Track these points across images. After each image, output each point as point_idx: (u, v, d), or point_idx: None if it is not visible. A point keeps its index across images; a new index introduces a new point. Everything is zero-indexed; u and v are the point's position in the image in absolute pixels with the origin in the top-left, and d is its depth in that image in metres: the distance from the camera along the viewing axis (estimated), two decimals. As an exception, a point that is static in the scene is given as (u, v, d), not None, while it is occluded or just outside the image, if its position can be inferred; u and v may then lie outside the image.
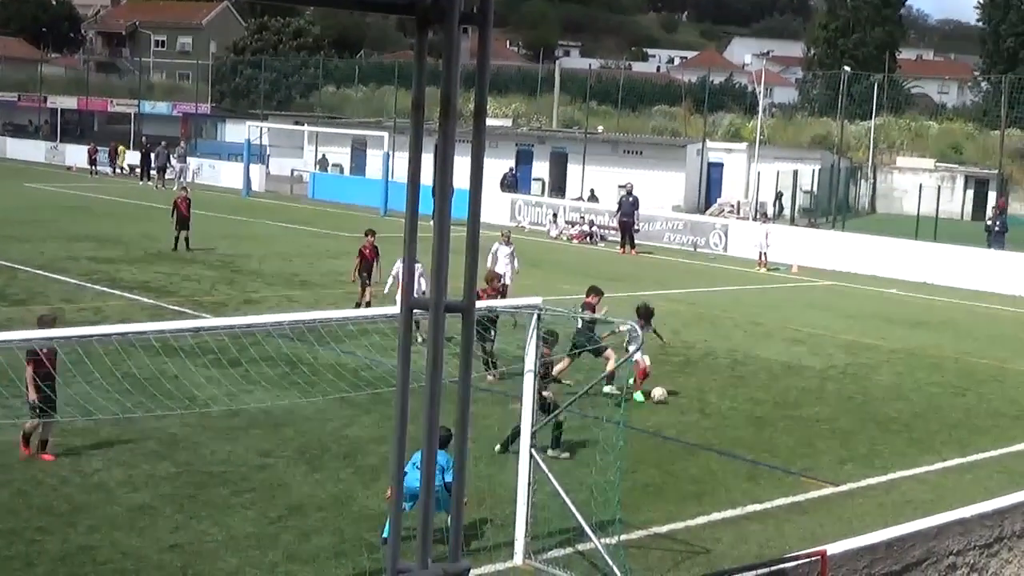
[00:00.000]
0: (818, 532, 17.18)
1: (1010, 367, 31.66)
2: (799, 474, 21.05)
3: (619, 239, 57.24)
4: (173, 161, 79.02)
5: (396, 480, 5.37)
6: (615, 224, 58.63)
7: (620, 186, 61.11)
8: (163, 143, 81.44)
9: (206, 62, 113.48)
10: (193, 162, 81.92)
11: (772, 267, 51.62)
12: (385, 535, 16.48)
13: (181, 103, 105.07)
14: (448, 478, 16.05)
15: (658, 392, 24.84)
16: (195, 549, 15.74)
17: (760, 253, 52.33)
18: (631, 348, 16.67)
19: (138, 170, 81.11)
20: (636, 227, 57.49)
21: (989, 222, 59.88)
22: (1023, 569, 15.82)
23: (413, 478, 16.13)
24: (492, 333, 25.00)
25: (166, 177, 77.22)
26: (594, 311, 24.70)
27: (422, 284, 28.33)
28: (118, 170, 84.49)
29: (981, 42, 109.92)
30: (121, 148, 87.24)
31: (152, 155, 79.78)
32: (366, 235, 33.44)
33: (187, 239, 44.67)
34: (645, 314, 25.72)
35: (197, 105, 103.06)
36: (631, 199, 57.53)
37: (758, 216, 61.96)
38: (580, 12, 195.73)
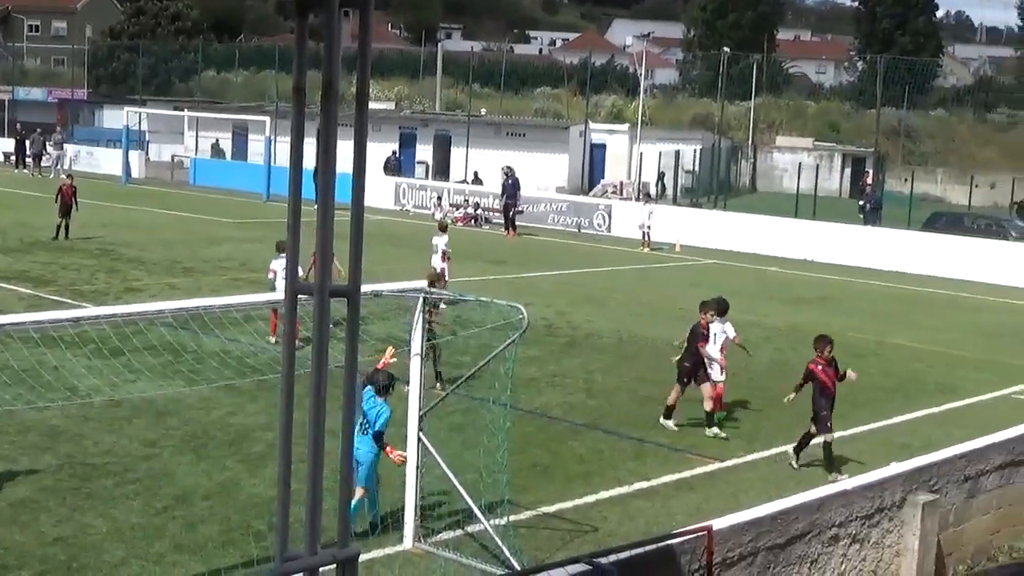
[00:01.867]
0: (704, 507, 17.33)
1: (888, 341, 32.16)
2: (685, 451, 21.25)
3: (503, 222, 57.44)
4: (49, 148, 78.09)
5: (283, 466, 5.35)
6: (500, 207, 58.81)
7: (502, 169, 61.37)
8: (38, 130, 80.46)
9: (82, 47, 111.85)
10: (70, 149, 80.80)
11: (656, 247, 52.00)
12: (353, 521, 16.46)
13: (57, 89, 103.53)
14: (379, 427, 16.04)
15: None
16: (80, 542, 15.56)
17: (643, 233, 52.73)
18: (513, 335, 16.59)
19: (13, 158, 80.00)
20: (519, 209, 57.74)
21: (861, 202, 60.99)
22: (903, 538, 16.08)
23: (363, 442, 16.23)
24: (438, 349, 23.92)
25: (42, 164, 76.33)
26: (708, 329, 23.05)
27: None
28: None
29: (857, 22, 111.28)
30: None
31: (27, 142, 78.82)
32: None
33: (67, 227, 44.19)
34: (719, 308, 23.90)
35: (73, 91, 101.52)
36: (511, 181, 57.86)
37: (641, 197, 62.32)
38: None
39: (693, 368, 22.51)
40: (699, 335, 22.73)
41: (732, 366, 28.12)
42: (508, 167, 60.15)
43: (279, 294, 26.38)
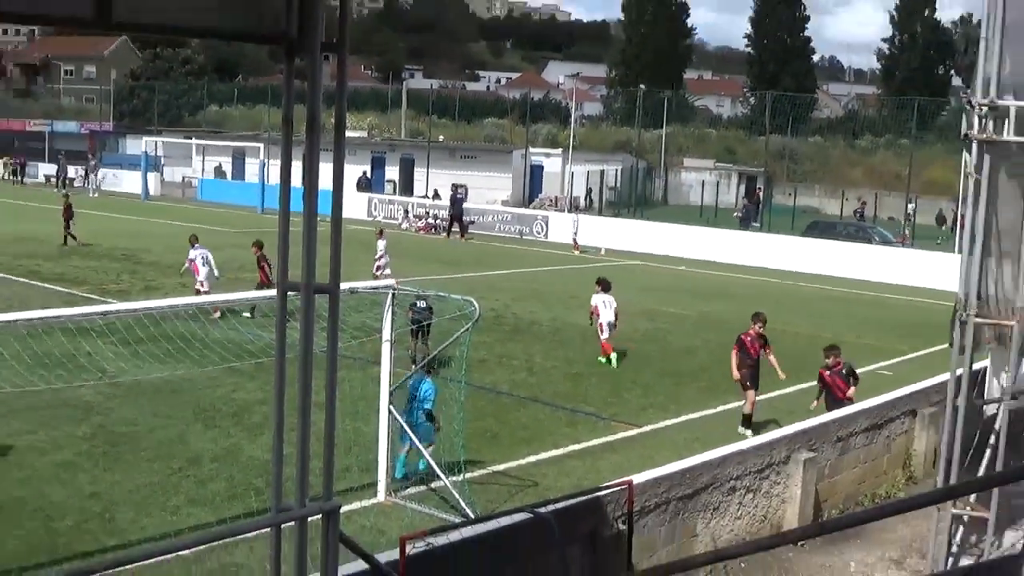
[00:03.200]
0: (626, 465, 17.37)
1: (779, 328, 32.21)
2: (610, 419, 21.28)
3: (457, 230, 57.60)
4: (77, 171, 78.81)
5: (277, 433, 5.34)
6: (447, 216, 59.38)
7: (453, 187, 62.26)
8: (61, 156, 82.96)
9: (108, 87, 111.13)
10: (100, 172, 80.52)
11: (584, 250, 52.03)
12: (397, 475, 16.63)
13: (87, 122, 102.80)
14: (428, 407, 16.24)
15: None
16: (111, 496, 15.58)
17: (573, 238, 52.92)
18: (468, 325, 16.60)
19: (54, 179, 79.68)
20: (471, 219, 58.11)
21: (736, 213, 62.55)
22: (788, 489, 16.21)
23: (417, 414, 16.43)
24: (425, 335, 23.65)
25: (73, 185, 76.34)
26: (756, 339, 21.40)
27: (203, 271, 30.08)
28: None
29: (749, 64, 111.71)
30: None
31: (65, 166, 79.61)
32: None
33: (66, 237, 44.55)
34: (604, 285, 26.87)
35: (101, 123, 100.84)
36: (459, 197, 59.86)
37: (571, 208, 62.45)
38: (422, 40, 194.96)
39: (751, 373, 21.08)
40: (740, 342, 21.46)
41: (650, 350, 28.33)
42: (455, 185, 60.98)
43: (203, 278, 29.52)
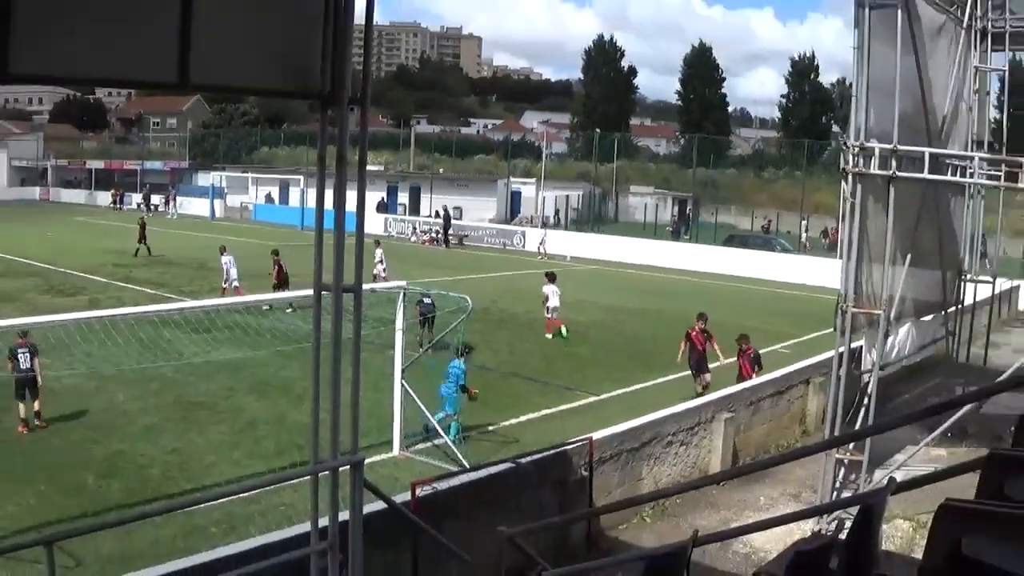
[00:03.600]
0: (588, 425, 17.33)
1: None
2: (575, 389, 21.31)
3: (454, 242, 57.78)
4: (156, 199, 79.52)
5: (314, 402, 5.33)
6: (441, 230, 59.77)
7: (443, 207, 63.06)
8: (147, 187, 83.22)
9: (185, 134, 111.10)
10: (178, 199, 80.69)
11: (551, 257, 52.01)
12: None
13: (169, 161, 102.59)
14: (461, 382, 16.19)
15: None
16: (188, 451, 15.71)
17: (540, 248, 53.38)
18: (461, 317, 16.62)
19: (143, 205, 79.63)
20: (464, 234, 58.44)
21: (669, 228, 63.25)
22: (713, 442, 16.22)
23: (444, 387, 16.52)
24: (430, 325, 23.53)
25: (158, 210, 76.23)
26: (698, 334, 20.83)
27: (232, 273, 30.60)
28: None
29: (679, 114, 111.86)
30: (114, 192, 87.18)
31: (148, 195, 79.85)
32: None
33: (137, 250, 44.43)
34: (551, 276, 28.34)
35: (179, 162, 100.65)
36: (447, 216, 60.63)
37: (542, 225, 62.50)
38: (426, 96, 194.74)
39: (697, 363, 20.63)
40: (688, 336, 20.89)
41: (606, 336, 28.32)
42: (445, 206, 63.20)
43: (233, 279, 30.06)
